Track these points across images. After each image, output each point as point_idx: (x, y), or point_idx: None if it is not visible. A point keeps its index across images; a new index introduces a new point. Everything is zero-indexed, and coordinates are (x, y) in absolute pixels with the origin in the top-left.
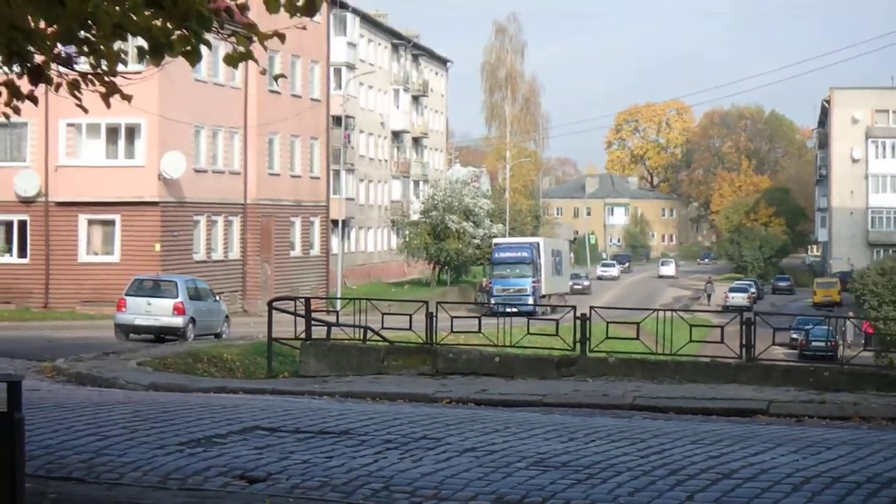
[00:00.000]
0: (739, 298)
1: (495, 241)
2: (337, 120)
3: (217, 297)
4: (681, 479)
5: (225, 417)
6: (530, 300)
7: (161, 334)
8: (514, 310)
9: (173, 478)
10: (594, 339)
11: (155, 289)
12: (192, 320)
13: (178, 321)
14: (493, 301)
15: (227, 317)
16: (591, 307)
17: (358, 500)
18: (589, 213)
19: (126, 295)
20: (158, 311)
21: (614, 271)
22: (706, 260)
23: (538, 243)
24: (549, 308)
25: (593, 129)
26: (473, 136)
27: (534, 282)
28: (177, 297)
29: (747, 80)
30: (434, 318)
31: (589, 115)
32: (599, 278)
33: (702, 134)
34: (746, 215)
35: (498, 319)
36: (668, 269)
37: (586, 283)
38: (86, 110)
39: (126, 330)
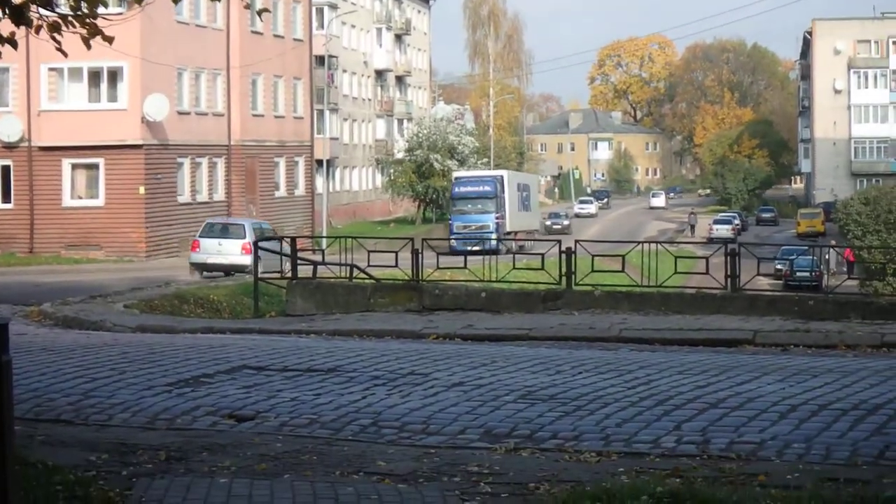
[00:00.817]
0: (724, 230)
1: (455, 174)
2: (320, 60)
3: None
4: (668, 410)
5: (212, 357)
6: (493, 237)
7: (231, 271)
8: (476, 248)
9: (162, 418)
10: (580, 272)
11: (224, 231)
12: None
13: (246, 260)
14: (452, 239)
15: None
16: (577, 241)
17: (347, 437)
18: (573, 149)
19: (199, 237)
20: (228, 251)
21: (591, 208)
22: (672, 195)
23: (502, 176)
24: (514, 244)
25: (576, 65)
26: (457, 74)
27: (497, 218)
28: (244, 237)
29: (729, 12)
30: (420, 256)
31: (571, 52)
32: (577, 216)
33: (684, 68)
34: (730, 148)
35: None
36: (659, 201)
37: (566, 222)
38: (65, 54)
39: (200, 268)
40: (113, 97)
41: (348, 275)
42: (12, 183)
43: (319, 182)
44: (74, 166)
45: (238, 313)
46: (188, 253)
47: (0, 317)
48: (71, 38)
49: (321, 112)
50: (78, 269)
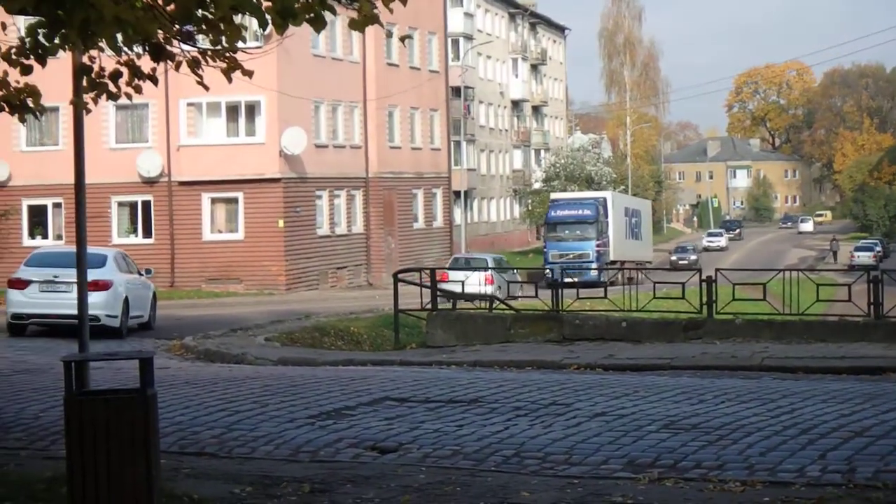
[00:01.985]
0: (865, 257)
1: (552, 196)
2: (456, 91)
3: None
4: (812, 438)
5: (354, 389)
6: (593, 267)
7: (473, 300)
8: (573, 279)
9: (304, 450)
10: (720, 301)
11: (468, 263)
12: (500, 288)
13: (490, 289)
14: (546, 269)
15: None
16: (717, 269)
17: (490, 468)
18: (711, 177)
19: (448, 268)
20: (474, 282)
21: (721, 241)
22: (788, 223)
23: (605, 199)
24: (621, 276)
25: (713, 93)
26: (593, 103)
27: (598, 245)
28: (487, 270)
29: (866, 37)
30: (560, 288)
31: (708, 79)
32: (706, 249)
33: (822, 94)
34: (870, 174)
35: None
36: (807, 226)
37: (693, 257)
38: (207, 87)
39: (447, 296)
40: (251, 131)
41: (488, 306)
42: (153, 217)
43: (457, 213)
44: (214, 200)
45: (378, 345)
46: (327, 285)
47: (144, 351)
48: (209, 72)
49: (458, 143)
50: (218, 302)
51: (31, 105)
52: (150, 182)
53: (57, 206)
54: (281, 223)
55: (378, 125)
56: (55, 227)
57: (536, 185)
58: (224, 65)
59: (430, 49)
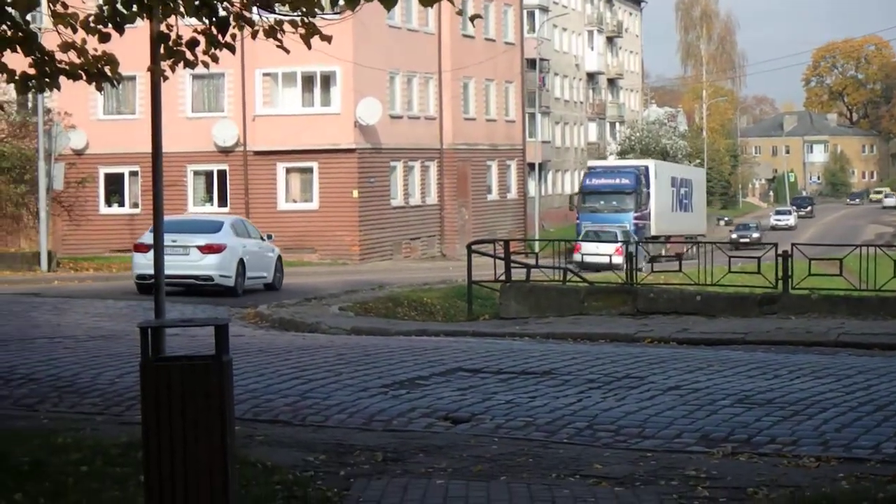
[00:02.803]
0: None
1: (589, 163)
2: (531, 63)
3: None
4: (888, 415)
5: (427, 360)
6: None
7: (605, 269)
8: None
9: (378, 419)
10: (796, 276)
11: (598, 236)
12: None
13: (619, 260)
14: (581, 241)
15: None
16: (793, 244)
17: (562, 440)
18: (788, 152)
19: (581, 240)
20: (605, 251)
21: (789, 219)
22: (856, 200)
23: (646, 167)
24: (663, 254)
25: (790, 67)
26: (669, 76)
27: (637, 218)
28: (618, 240)
29: None
30: (633, 258)
31: (785, 53)
32: (773, 228)
33: None
34: None
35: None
36: (891, 201)
37: (755, 234)
38: (287, 50)
39: (581, 266)
40: (326, 101)
41: (562, 278)
42: (228, 187)
43: (531, 185)
44: (289, 170)
45: (451, 316)
46: (400, 256)
47: (219, 318)
48: (286, 42)
49: (532, 115)
50: (293, 271)
51: (108, 73)
52: (225, 151)
53: (133, 174)
54: (355, 193)
55: (453, 96)
56: (131, 195)
57: (611, 158)
58: (303, 31)
59: (505, 21)
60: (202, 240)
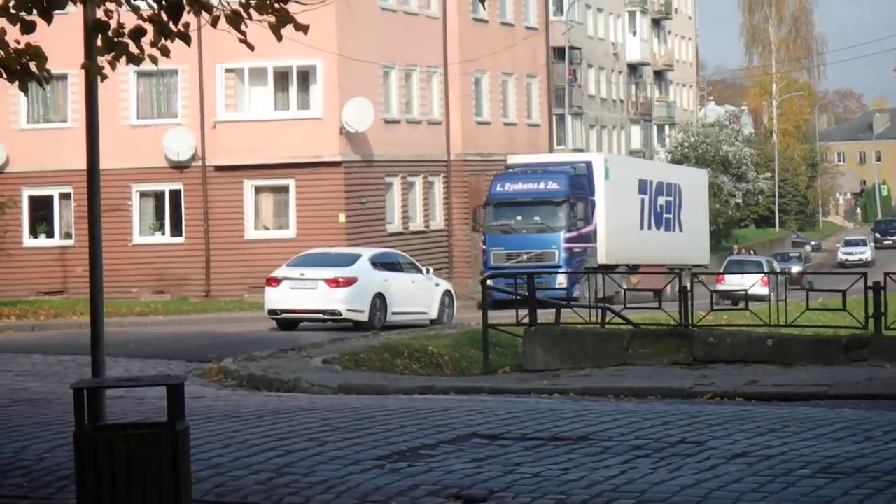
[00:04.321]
0: None
1: (509, 160)
2: (559, 53)
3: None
4: None
5: (433, 424)
6: (560, 276)
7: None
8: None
9: (372, 500)
10: (891, 313)
11: (741, 266)
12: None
13: (765, 291)
14: (486, 275)
15: None
16: (886, 273)
17: None
18: (879, 159)
19: (724, 272)
20: (747, 283)
21: (864, 253)
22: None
23: (589, 164)
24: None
25: (879, 54)
26: (730, 67)
27: (571, 240)
28: (763, 271)
29: None
30: (689, 294)
31: (873, 37)
32: (842, 264)
33: None
34: None
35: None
36: None
37: (796, 268)
38: (251, 47)
39: (723, 296)
40: (304, 103)
41: (600, 319)
42: (183, 211)
43: None
44: (258, 189)
45: (463, 368)
46: None
47: (173, 376)
48: (253, 31)
49: (561, 117)
50: (264, 315)
51: (34, 70)
52: (179, 167)
53: (65, 196)
54: (342, 217)
55: (462, 95)
56: (63, 223)
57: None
58: (272, 18)
59: (526, 1)
60: (331, 273)
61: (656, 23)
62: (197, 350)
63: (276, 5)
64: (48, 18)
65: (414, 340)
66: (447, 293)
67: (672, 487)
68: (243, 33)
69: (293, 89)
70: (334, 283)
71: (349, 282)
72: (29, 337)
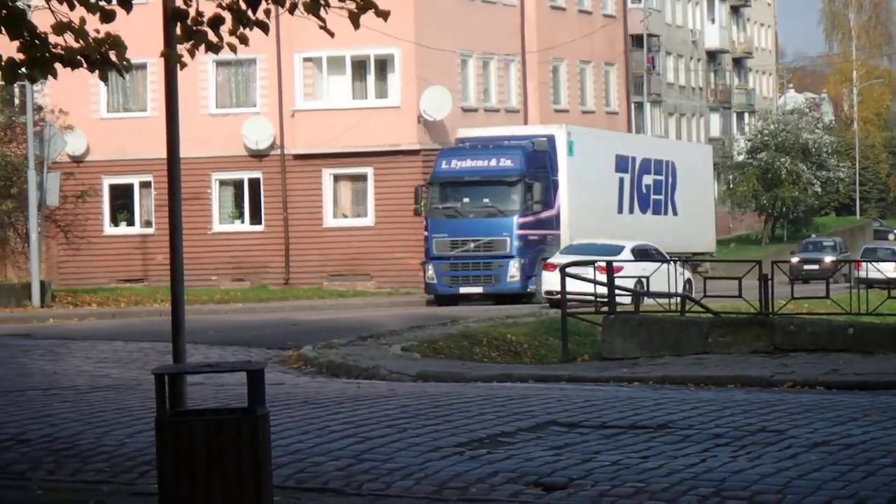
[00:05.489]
0: None
1: (459, 133)
2: (637, 40)
3: None
4: None
5: (512, 411)
6: (512, 268)
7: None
8: (473, 290)
9: (451, 486)
10: None
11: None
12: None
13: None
14: (428, 270)
15: None
16: None
17: None
18: None
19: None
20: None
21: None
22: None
23: (552, 138)
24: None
25: None
26: (810, 54)
27: (526, 226)
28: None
29: None
30: (770, 283)
31: None
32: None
33: None
34: None
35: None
36: None
37: (829, 258)
38: (331, 33)
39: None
40: (382, 92)
41: (680, 307)
42: (262, 200)
43: None
44: (337, 178)
45: (542, 357)
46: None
47: (253, 362)
48: (331, 19)
49: (640, 105)
50: (343, 303)
51: (114, 59)
52: (258, 155)
53: (145, 185)
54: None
55: (540, 83)
56: (143, 211)
57: (739, 158)
58: (352, 5)
59: None
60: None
61: (735, 10)
62: (276, 337)
63: None
64: (127, 7)
65: (492, 328)
66: (688, 281)
67: (752, 476)
68: (322, 20)
69: (371, 78)
70: (603, 270)
71: (617, 269)
72: (110, 324)
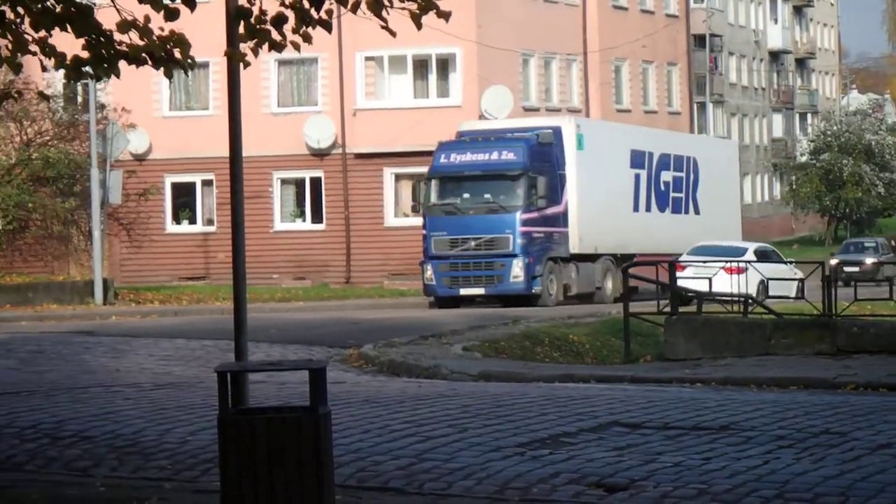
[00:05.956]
0: None
1: (460, 127)
2: (699, 40)
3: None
4: None
5: (574, 412)
6: (515, 267)
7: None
8: (474, 291)
9: (513, 487)
10: None
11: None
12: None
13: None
14: (426, 271)
15: None
16: None
17: None
18: None
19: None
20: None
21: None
22: None
23: (558, 130)
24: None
25: None
26: (873, 54)
27: (530, 223)
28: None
29: None
30: (833, 284)
31: None
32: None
33: None
34: None
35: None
36: None
37: (870, 260)
38: (393, 33)
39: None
40: (444, 91)
41: (742, 308)
42: (324, 198)
43: None
44: (398, 177)
45: (604, 357)
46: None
47: (315, 360)
48: (393, 18)
49: (702, 105)
50: (404, 302)
51: (178, 56)
52: (320, 154)
53: (207, 183)
54: None
55: (602, 83)
56: (205, 209)
57: (802, 159)
58: (414, 6)
59: None
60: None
61: (798, 10)
62: (337, 336)
63: None
64: (191, 5)
65: (554, 328)
66: (801, 281)
67: (815, 478)
68: (384, 20)
69: (432, 77)
70: (730, 270)
71: (741, 270)
72: (172, 322)
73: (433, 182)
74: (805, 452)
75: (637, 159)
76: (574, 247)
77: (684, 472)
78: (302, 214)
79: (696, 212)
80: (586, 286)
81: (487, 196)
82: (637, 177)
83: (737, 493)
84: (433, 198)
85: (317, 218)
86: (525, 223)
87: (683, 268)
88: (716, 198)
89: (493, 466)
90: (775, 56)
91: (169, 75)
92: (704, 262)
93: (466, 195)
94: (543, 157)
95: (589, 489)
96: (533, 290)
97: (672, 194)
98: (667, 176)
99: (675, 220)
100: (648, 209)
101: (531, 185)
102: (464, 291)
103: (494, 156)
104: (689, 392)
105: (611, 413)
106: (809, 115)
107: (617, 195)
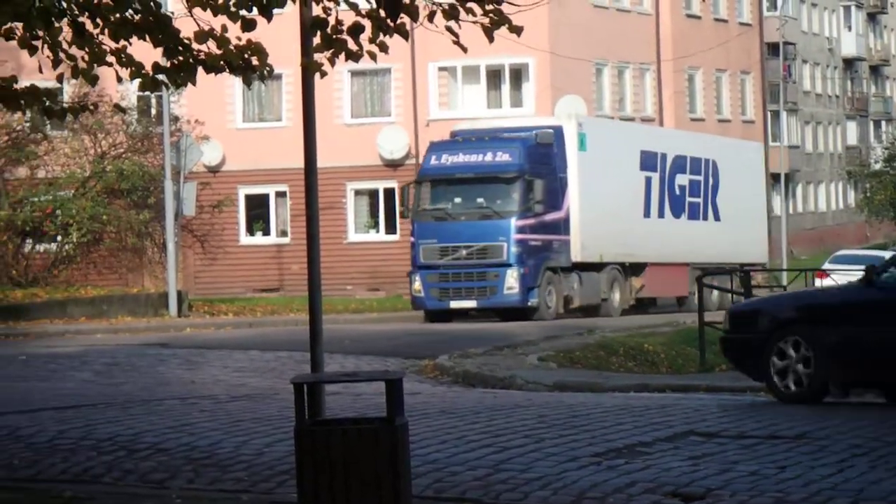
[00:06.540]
0: None
1: (455, 127)
2: (773, 48)
3: None
4: None
5: (650, 421)
6: (509, 278)
7: None
8: (465, 304)
9: (589, 496)
10: None
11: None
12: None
13: None
14: (414, 282)
15: None
16: None
17: None
18: None
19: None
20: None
21: None
22: None
23: (559, 130)
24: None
25: None
26: None
27: (528, 229)
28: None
29: None
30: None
31: None
32: None
33: None
34: None
35: None
36: None
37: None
38: (464, 49)
39: None
40: (517, 101)
41: None
42: (397, 209)
43: (776, 201)
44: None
45: (679, 367)
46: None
47: (391, 371)
48: (465, 29)
49: (776, 113)
50: (476, 314)
51: (256, 65)
52: (393, 165)
53: (281, 195)
54: None
55: (675, 92)
56: (279, 221)
57: (876, 166)
58: (486, 19)
59: None
60: None
61: (872, 17)
62: (411, 347)
63: (490, 5)
64: (268, 16)
65: (629, 338)
66: None
67: (891, 486)
68: (456, 35)
69: (505, 87)
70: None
71: None
72: (246, 333)
73: (423, 185)
74: (880, 461)
75: (648, 161)
76: (576, 255)
77: (760, 480)
78: (375, 225)
79: (717, 218)
80: (590, 297)
81: (480, 201)
82: (648, 180)
83: (812, 502)
84: (422, 202)
85: (390, 229)
86: (521, 230)
87: (827, 274)
88: (739, 204)
89: (569, 476)
90: (849, 63)
91: (248, 83)
92: (846, 270)
93: (458, 200)
94: (542, 159)
95: (665, 499)
96: (529, 303)
97: (688, 199)
98: (682, 179)
99: (692, 227)
100: (661, 215)
101: (528, 188)
102: (454, 304)
103: (488, 157)
104: (763, 401)
105: (686, 422)
106: (884, 123)
107: (625, 199)
